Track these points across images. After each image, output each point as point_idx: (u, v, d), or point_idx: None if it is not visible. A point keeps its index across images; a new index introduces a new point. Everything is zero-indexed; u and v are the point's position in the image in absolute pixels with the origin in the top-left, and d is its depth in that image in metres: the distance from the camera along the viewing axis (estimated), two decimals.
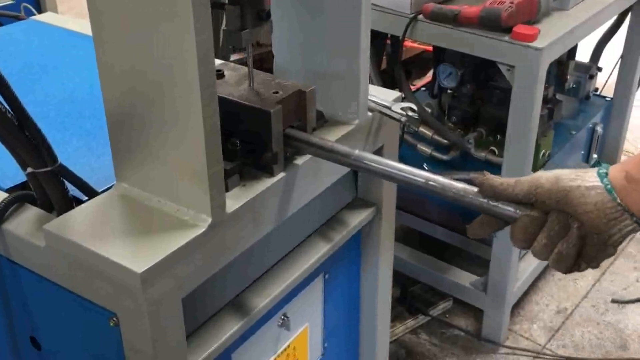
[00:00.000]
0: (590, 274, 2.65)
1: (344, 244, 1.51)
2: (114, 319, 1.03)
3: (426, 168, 2.36)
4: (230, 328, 1.23)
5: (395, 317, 2.39)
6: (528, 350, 2.32)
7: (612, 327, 2.42)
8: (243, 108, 1.15)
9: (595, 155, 2.73)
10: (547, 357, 2.30)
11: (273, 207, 1.19)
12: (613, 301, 2.53)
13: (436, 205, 2.37)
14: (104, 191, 1.14)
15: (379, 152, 1.47)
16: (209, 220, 1.05)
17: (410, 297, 2.45)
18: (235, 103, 1.16)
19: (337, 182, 1.40)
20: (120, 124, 1.07)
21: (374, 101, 1.39)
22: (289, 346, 1.47)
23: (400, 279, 2.46)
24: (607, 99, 2.81)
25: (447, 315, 2.45)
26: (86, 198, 1.14)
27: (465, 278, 2.35)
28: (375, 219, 1.56)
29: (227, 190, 1.12)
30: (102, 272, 1.00)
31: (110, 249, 1.00)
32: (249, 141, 1.16)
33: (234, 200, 1.12)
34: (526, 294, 2.51)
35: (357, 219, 1.52)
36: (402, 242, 2.52)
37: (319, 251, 1.43)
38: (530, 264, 2.41)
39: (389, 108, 1.38)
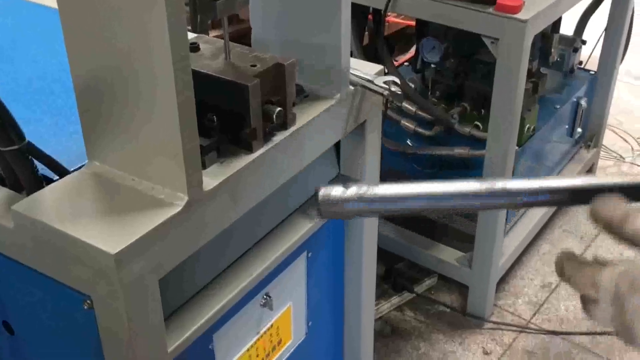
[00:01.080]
0: (574, 247, 2.64)
1: (328, 221, 1.48)
2: (88, 302, 1.00)
3: (410, 144, 2.33)
4: (211, 309, 1.20)
5: (380, 295, 2.37)
6: (513, 325, 2.32)
7: None
8: (219, 82, 1.11)
9: (579, 130, 2.71)
10: (532, 331, 2.30)
11: (253, 184, 1.15)
12: None
13: (418, 180, 2.34)
14: (75, 170, 1.10)
15: (361, 127, 1.43)
16: (186, 198, 1.01)
17: (394, 274, 2.43)
18: (211, 77, 1.12)
19: (319, 158, 1.37)
20: (90, 99, 1.02)
21: (356, 75, 1.35)
22: (272, 326, 1.44)
23: (385, 257, 2.43)
24: (591, 72, 2.78)
25: (432, 292, 2.43)
26: (57, 177, 1.09)
27: (450, 254, 2.33)
28: None
29: (204, 167, 1.09)
30: (74, 254, 0.97)
31: (82, 230, 0.96)
32: (226, 117, 1.12)
33: (212, 178, 1.08)
34: (511, 269, 2.50)
35: None
36: (387, 218, 2.49)
37: (302, 229, 1.39)
38: (515, 239, 2.40)
39: (372, 82, 1.35)
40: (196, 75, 0.99)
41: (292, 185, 1.36)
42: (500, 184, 0.84)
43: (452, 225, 2.38)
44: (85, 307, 1.00)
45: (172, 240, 1.01)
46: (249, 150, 1.14)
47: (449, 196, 0.86)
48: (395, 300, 2.37)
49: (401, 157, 2.33)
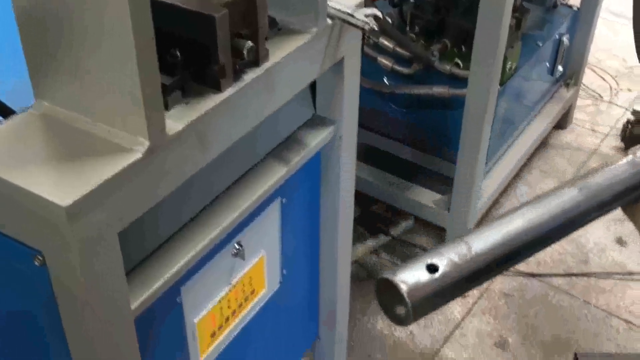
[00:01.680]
0: (553, 185, 2.60)
1: (303, 166, 1.39)
2: (39, 257, 0.90)
3: (387, 83, 2.23)
4: (178, 261, 1.11)
5: (356, 238, 2.31)
6: None
7: (573, 243, 2.39)
8: (183, 12, 1.00)
9: (560, 68, 2.63)
10: (509, 274, 2.27)
11: (221, 127, 1.05)
12: None
13: (398, 121, 2.26)
14: (22, 111, 0.98)
15: (339, 65, 1.33)
16: (147, 143, 0.91)
17: (370, 217, 2.36)
18: (173, 7, 1.00)
19: (293, 99, 1.27)
20: (35, 30, 0.90)
21: (334, 7, 1.24)
22: (244, 276, 1.37)
23: (360, 199, 2.36)
24: (575, 8, 2.68)
25: (409, 235, 2.38)
26: (0, 118, 0.98)
27: (427, 197, 2.27)
28: (335, 138, 1.44)
29: (167, 108, 0.98)
30: (22, 205, 0.87)
31: (30, 180, 0.86)
32: (191, 52, 1.01)
33: (176, 121, 0.97)
34: (488, 211, 2.45)
35: (316, 138, 1.39)
36: (362, 160, 2.41)
37: (275, 175, 1.30)
38: (494, 181, 2.34)
39: (352, 15, 1.24)
40: (156, 4, 0.88)
41: (264, 128, 1.26)
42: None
43: (430, 168, 2.31)
44: (37, 263, 0.91)
45: (132, 190, 0.92)
46: (217, 89, 1.04)
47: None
48: (371, 243, 2.31)
49: (377, 96, 2.24)
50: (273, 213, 1.39)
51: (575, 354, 1.92)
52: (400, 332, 2.06)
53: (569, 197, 0.83)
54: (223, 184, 1.23)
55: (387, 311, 0.74)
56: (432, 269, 0.72)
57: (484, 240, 0.75)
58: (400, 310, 0.71)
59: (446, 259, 0.73)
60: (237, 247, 1.30)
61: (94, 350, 0.97)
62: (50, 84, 0.94)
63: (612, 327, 2.12)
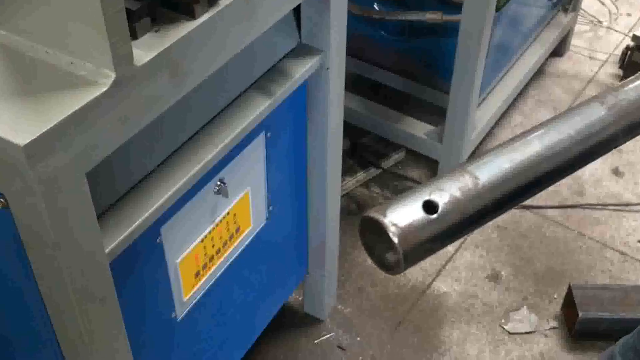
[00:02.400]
0: (549, 115, 2.53)
1: (287, 97, 1.32)
2: (2, 200, 0.84)
3: (376, 8, 2.12)
4: (155, 201, 1.06)
5: (346, 171, 2.25)
6: None
7: None
8: None
9: None
10: None
11: (196, 57, 0.97)
12: None
13: (388, 48, 2.16)
14: None
15: None
16: (112, 75, 0.84)
17: (360, 149, 2.30)
18: None
19: (276, 26, 1.18)
20: None
21: None
22: (228, 213, 1.31)
23: (350, 131, 2.30)
24: None
25: (400, 167, 2.32)
26: None
27: (419, 128, 2.20)
28: (322, 68, 1.36)
29: (135, 37, 0.90)
30: None
31: None
32: None
33: (145, 50, 0.89)
34: (482, 142, 2.39)
35: (301, 68, 1.32)
36: (351, 90, 2.33)
37: (258, 108, 1.23)
38: (487, 112, 2.27)
39: None
40: None
41: (245, 58, 1.18)
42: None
43: (422, 98, 2.23)
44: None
45: (99, 127, 0.85)
46: (191, 16, 0.95)
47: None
48: (361, 176, 2.25)
49: (367, 23, 2.13)
50: (257, 148, 1.33)
51: (570, 286, 1.90)
52: None
53: (595, 116, 0.71)
54: (202, 118, 1.16)
55: (372, 255, 0.65)
56: (430, 207, 0.61)
57: (493, 170, 0.64)
58: (390, 257, 0.62)
59: (448, 195, 0.62)
60: (219, 183, 1.24)
61: (67, 295, 0.92)
62: (6, 9, 0.86)
63: (606, 258, 2.09)
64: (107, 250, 0.96)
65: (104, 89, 0.83)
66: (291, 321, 1.88)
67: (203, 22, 0.96)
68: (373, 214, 0.62)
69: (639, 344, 1.10)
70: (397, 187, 2.27)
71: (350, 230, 2.12)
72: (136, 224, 1.01)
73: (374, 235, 0.63)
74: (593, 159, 0.73)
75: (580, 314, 1.81)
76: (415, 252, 0.61)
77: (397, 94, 2.31)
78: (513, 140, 0.68)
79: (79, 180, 0.85)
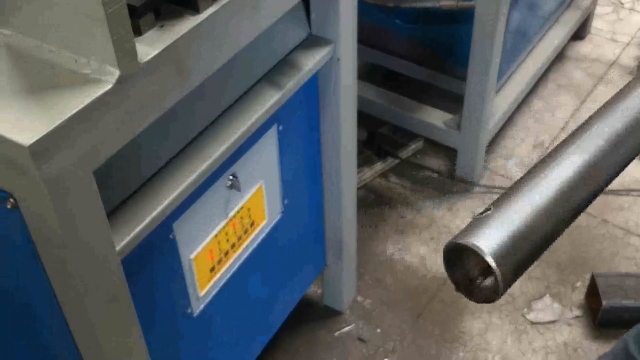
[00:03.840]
0: (569, 104, 2.49)
1: (299, 89, 1.31)
2: (11, 199, 0.84)
3: None
4: (165, 197, 1.05)
5: (363, 162, 2.24)
6: (504, 188, 2.21)
7: None
8: None
9: None
10: None
11: (202, 52, 0.96)
12: None
13: (402, 37, 2.14)
14: None
15: None
16: (117, 72, 0.83)
17: (377, 139, 2.28)
18: None
19: (284, 17, 1.17)
20: None
21: None
22: (242, 208, 1.31)
23: (367, 121, 2.28)
24: None
25: (418, 157, 2.30)
26: None
27: (437, 116, 2.18)
28: (333, 58, 1.35)
29: (139, 33, 0.90)
30: None
31: None
32: None
33: (150, 46, 0.89)
34: (502, 129, 2.36)
35: (312, 60, 1.30)
36: (367, 80, 2.31)
37: (268, 100, 1.22)
38: (507, 98, 2.23)
39: None
40: None
41: (254, 50, 1.17)
42: None
43: (439, 86, 2.20)
44: (9, 206, 0.85)
45: (104, 125, 0.84)
46: (195, 10, 0.94)
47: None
48: (379, 166, 2.23)
49: (382, 11, 2.11)
50: (269, 141, 1.32)
51: (592, 275, 1.87)
52: (411, 257, 2.02)
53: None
54: (212, 113, 1.15)
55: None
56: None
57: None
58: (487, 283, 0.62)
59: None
60: (231, 178, 1.23)
61: (79, 294, 0.92)
62: (10, 9, 0.86)
63: (630, 245, 2.05)
64: (118, 248, 0.96)
65: (109, 86, 0.83)
66: (311, 314, 1.87)
67: (208, 16, 0.95)
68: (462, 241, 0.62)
69: None
70: (415, 176, 2.25)
71: (369, 222, 2.10)
72: (147, 220, 1.01)
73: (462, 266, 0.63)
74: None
75: (603, 303, 1.78)
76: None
77: (414, 82, 2.29)
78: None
79: (86, 179, 0.85)
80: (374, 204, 2.17)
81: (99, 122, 0.83)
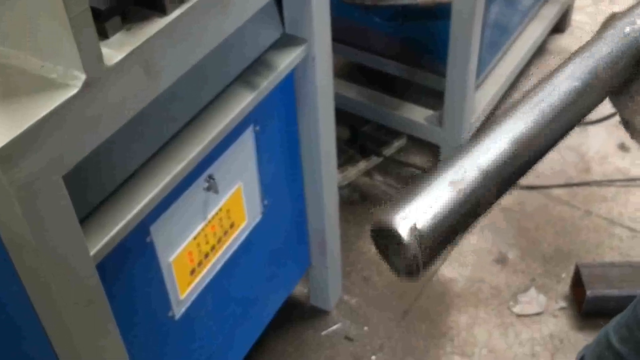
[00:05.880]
0: None
1: (274, 89, 1.31)
2: None
3: None
4: (141, 199, 1.05)
5: (347, 161, 2.24)
6: None
7: (574, 152, 2.32)
8: None
9: None
10: None
11: (171, 54, 0.96)
12: None
13: (382, 34, 2.14)
14: None
15: None
16: (83, 76, 0.83)
17: (360, 138, 2.28)
18: None
19: (256, 16, 1.17)
20: None
21: None
22: (220, 209, 1.31)
23: (349, 120, 2.29)
24: None
25: (402, 154, 2.30)
26: None
27: (419, 113, 2.18)
28: (308, 57, 1.35)
29: (106, 36, 0.89)
30: None
31: None
32: None
33: (117, 50, 0.89)
34: (483, 124, 2.36)
35: (286, 59, 1.30)
36: (349, 79, 2.31)
37: (243, 101, 1.22)
38: (488, 93, 2.24)
39: None
40: None
41: (227, 51, 1.17)
42: None
43: (420, 82, 2.20)
44: None
45: (73, 129, 0.84)
46: (163, 12, 0.94)
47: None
48: (363, 165, 2.24)
49: (360, 10, 2.11)
50: (246, 142, 1.32)
51: (576, 265, 1.87)
52: None
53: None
54: (186, 115, 1.15)
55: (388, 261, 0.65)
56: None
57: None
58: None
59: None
60: (208, 179, 1.23)
61: (54, 300, 0.92)
62: None
63: (614, 235, 2.06)
64: (92, 253, 0.96)
65: (75, 90, 0.83)
66: (298, 314, 1.87)
67: (175, 17, 0.95)
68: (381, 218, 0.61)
69: (631, 321, 1.09)
70: (400, 174, 2.25)
71: (354, 220, 2.11)
72: (122, 224, 1.01)
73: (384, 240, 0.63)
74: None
75: (587, 293, 1.79)
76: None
77: (395, 80, 2.29)
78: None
79: (56, 184, 0.85)
80: (358, 202, 2.17)
81: (66, 126, 0.83)
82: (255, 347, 1.66)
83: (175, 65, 0.98)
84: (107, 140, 0.94)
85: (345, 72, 2.46)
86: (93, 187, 1.00)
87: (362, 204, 2.16)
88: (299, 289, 1.91)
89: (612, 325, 1.14)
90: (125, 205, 1.03)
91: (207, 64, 1.13)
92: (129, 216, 1.02)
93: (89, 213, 1.00)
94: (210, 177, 1.24)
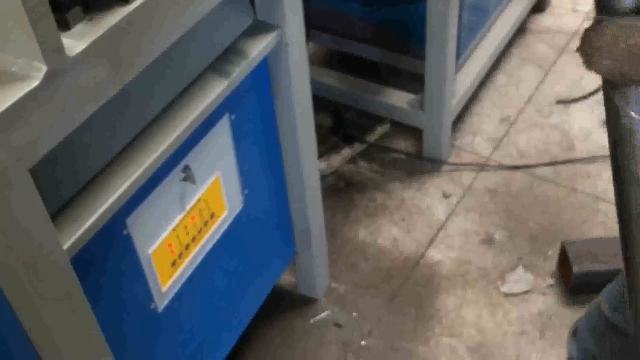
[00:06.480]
0: (533, 76, 2.50)
1: (248, 77, 1.30)
2: None
3: None
4: (114, 191, 1.04)
5: (331, 149, 2.24)
6: (472, 165, 2.22)
7: (557, 130, 2.32)
8: None
9: None
10: (492, 169, 2.20)
11: (136, 43, 0.96)
12: (558, 102, 2.41)
13: (360, 20, 2.13)
14: None
15: None
16: (44, 68, 0.82)
17: (343, 125, 2.28)
18: None
19: (225, 3, 1.16)
20: None
21: None
22: (199, 200, 1.30)
23: (331, 107, 2.28)
24: None
25: (385, 140, 2.30)
26: None
27: (400, 98, 2.18)
28: (281, 44, 1.34)
29: (67, 27, 0.88)
30: None
31: None
32: None
33: (79, 40, 0.88)
34: (467, 105, 2.36)
35: (258, 46, 1.30)
36: (329, 66, 2.31)
37: (216, 90, 1.22)
38: (469, 74, 2.24)
39: None
40: None
41: (196, 39, 1.17)
42: None
43: (401, 67, 2.20)
44: None
45: (36, 122, 0.83)
46: (125, 0, 0.93)
47: None
48: (347, 152, 2.23)
49: None
50: (222, 131, 1.31)
51: (562, 243, 1.88)
52: (383, 240, 2.02)
53: None
54: (158, 105, 1.15)
55: None
56: None
57: None
58: None
59: None
60: (184, 170, 1.22)
61: (29, 295, 0.91)
62: None
63: (600, 211, 2.07)
64: (65, 247, 0.95)
65: (36, 82, 0.82)
66: (286, 303, 1.87)
67: (137, 6, 0.94)
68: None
69: (622, 289, 1.09)
70: (384, 159, 2.25)
71: (340, 208, 2.10)
72: (95, 216, 1.00)
73: None
74: None
75: (574, 269, 1.79)
76: None
77: (377, 66, 2.28)
78: None
79: (22, 177, 0.84)
80: (344, 189, 2.17)
81: (29, 119, 0.82)
82: (243, 337, 1.67)
83: (141, 55, 0.97)
84: (78, 132, 0.93)
85: (326, 60, 2.45)
86: (65, 180, 1.00)
87: (347, 191, 2.16)
88: (287, 278, 1.91)
89: (603, 296, 1.14)
90: (99, 197, 1.02)
91: (177, 53, 1.13)
92: (103, 209, 1.02)
93: (62, 206, 0.99)
94: (187, 167, 1.23)
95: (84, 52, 0.87)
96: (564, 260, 1.85)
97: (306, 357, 1.76)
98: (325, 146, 2.25)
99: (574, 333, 1.19)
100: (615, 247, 1.83)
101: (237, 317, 1.59)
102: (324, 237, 1.79)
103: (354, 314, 1.85)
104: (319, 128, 2.28)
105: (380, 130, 2.29)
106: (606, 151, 2.22)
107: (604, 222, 2.03)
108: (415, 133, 2.26)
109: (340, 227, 2.05)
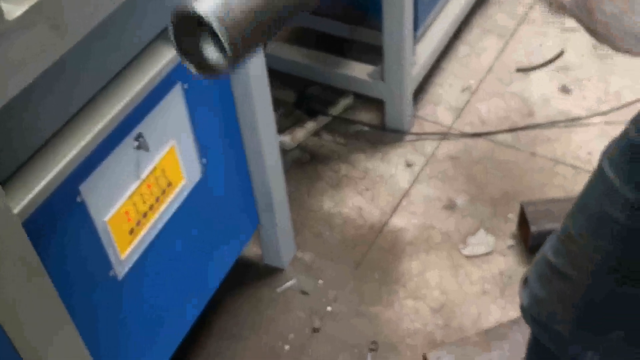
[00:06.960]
0: (494, 46, 2.54)
1: None
2: None
3: None
4: (64, 157, 1.06)
5: (295, 122, 2.26)
6: (434, 134, 2.25)
7: (517, 97, 2.36)
8: None
9: None
10: (454, 136, 2.24)
11: (76, 7, 0.97)
12: (518, 70, 2.45)
13: None
14: None
15: None
16: None
17: (307, 99, 2.30)
18: None
19: None
20: None
21: None
22: (155, 168, 1.32)
23: (295, 82, 2.31)
24: None
25: (349, 112, 2.33)
26: None
27: (361, 70, 2.20)
28: None
29: None
30: None
31: None
32: None
33: (17, 4, 0.89)
34: (429, 76, 2.39)
35: None
36: (292, 42, 2.33)
37: (163, 58, 1.23)
38: (429, 44, 2.27)
39: None
40: None
41: (143, 6, 1.18)
42: None
43: (361, 39, 2.23)
44: None
45: None
46: None
47: None
48: (311, 125, 2.26)
49: None
50: (175, 100, 1.33)
51: (521, 204, 1.92)
52: (348, 209, 2.05)
53: None
54: (106, 74, 1.16)
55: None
56: None
57: None
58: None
59: None
60: (137, 138, 1.24)
61: None
62: None
63: (559, 174, 2.11)
64: (16, 211, 0.97)
65: None
66: (252, 274, 1.90)
67: None
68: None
69: (563, 235, 1.13)
70: (348, 132, 2.28)
71: (305, 180, 2.13)
72: (45, 181, 1.02)
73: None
74: None
75: (532, 229, 1.84)
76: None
77: (338, 40, 2.31)
78: None
79: None
80: (308, 162, 2.19)
81: None
82: (210, 307, 1.69)
83: (83, 19, 0.99)
84: (26, 97, 0.95)
85: (286, 36, 2.47)
86: (15, 147, 1.01)
87: (311, 164, 2.18)
88: (253, 250, 1.94)
89: (547, 246, 1.19)
90: (49, 163, 1.04)
91: (123, 20, 1.14)
92: (53, 173, 1.04)
93: (13, 172, 1.01)
94: (140, 135, 1.25)
95: (23, 17, 0.89)
96: (523, 221, 1.90)
97: (273, 323, 1.79)
98: (290, 120, 2.27)
99: (525, 281, 1.23)
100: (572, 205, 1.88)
101: (202, 287, 1.61)
102: (287, 209, 1.82)
103: (320, 281, 1.88)
104: (283, 104, 2.31)
105: (343, 103, 2.31)
106: (564, 116, 2.28)
107: (563, 185, 2.08)
108: (379, 105, 2.29)
109: (306, 199, 2.08)
